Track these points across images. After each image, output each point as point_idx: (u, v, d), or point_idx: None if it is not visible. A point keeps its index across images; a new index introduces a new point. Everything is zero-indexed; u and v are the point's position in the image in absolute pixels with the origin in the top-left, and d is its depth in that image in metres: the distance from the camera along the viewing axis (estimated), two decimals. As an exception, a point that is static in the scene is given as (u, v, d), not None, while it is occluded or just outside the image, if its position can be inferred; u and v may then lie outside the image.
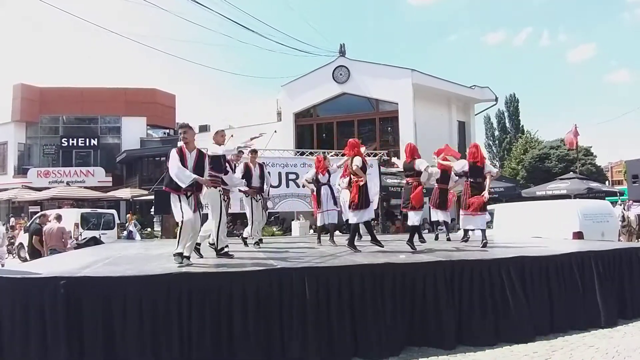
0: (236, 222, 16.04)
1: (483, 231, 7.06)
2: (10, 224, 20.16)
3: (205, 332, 4.09)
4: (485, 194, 7.06)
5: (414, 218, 6.81)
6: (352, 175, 6.80)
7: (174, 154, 5.10)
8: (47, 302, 3.86)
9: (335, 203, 8.21)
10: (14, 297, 3.92)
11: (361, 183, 6.58)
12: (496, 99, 22.99)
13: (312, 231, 13.42)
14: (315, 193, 8.27)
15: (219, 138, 6.08)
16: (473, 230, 7.52)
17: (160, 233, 17.12)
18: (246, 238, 7.82)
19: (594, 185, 16.63)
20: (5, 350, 3.85)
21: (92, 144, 29.65)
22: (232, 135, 7.18)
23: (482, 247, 6.75)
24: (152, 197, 16.46)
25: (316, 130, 21.55)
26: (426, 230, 10.38)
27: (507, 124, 40.89)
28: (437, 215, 8.29)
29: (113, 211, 16.89)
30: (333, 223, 8.32)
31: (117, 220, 16.36)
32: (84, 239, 13.59)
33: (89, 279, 4.15)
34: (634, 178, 12.42)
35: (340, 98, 20.79)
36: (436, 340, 4.79)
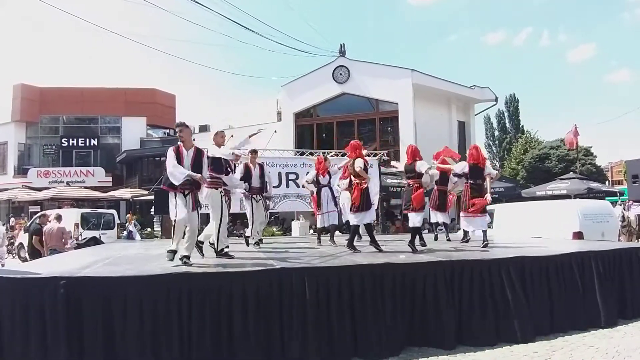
0: (236, 222, 16.05)
1: (484, 232, 7.06)
2: (10, 224, 20.12)
3: (205, 332, 4.09)
4: (488, 196, 7.07)
5: (415, 219, 6.80)
6: (352, 177, 6.80)
7: (170, 153, 5.16)
8: (47, 302, 3.86)
9: (336, 204, 8.21)
10: (14, 297, 3.92)
11: (364, 185, 6.58)
12: (496, 99, 22.99)
13: (312, 231, 13.41)
14: (315, 194, 8.27)
15: (219, 139, 6.03)
16: (473, 231, 7.52)
17: (160, 233, 17.10)
18: (249, 237, 7.81)
19: (594, 185, 16.63)
20: (5, 350, 3.85)
21: (92, 144, 29.62)
22: (232, 136, 7.16)
23: (482, 247, 6.75)
24: (152, 197, 16.45)
25: (316, 130, 21.56)
26: (426, 231, 10.37)
27: (507, 124, 40.89)
28: (437, 217, 8.28)
29: (113, 211, 16.89)
30: (333, 224, 8.33)
31: (117, 220, 16.36)
32: (84, 239, 13.63)
33: (89, 279, 4.15)
34: (634, 178, 12.43)
35: (340, 98, 20.80)
36: (436, 340, 4.79)
